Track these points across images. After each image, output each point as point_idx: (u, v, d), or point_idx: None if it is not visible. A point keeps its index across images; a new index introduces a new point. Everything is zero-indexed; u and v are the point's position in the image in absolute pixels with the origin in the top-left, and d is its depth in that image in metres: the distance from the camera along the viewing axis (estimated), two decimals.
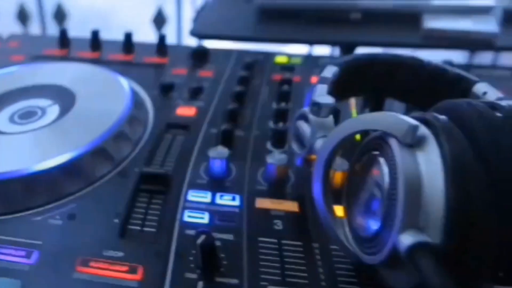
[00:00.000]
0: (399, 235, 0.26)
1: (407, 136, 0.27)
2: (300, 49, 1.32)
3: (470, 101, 0.30)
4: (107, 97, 0.49)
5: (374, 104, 0.49)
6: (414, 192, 0.26)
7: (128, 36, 0.60)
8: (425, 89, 0.45)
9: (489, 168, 0.26)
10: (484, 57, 1.24)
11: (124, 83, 0.51)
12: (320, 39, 0.63)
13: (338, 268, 0.32)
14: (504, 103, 0.31)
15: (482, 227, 0.25)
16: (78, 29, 0.73)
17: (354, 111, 0.51)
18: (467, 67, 0.60)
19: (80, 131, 0.44)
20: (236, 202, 0.38)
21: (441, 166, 0.26)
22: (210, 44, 0.62)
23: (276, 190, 0.40)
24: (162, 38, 0.59)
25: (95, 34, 0.60)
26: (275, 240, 0.34)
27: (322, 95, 0.37)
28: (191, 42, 0.78)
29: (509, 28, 0.70)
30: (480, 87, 0.41)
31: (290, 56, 0.60)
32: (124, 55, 0.60)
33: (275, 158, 0.41)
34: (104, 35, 0.63)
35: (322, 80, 0.39)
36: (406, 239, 0.25)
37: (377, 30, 0.66)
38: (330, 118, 0.35)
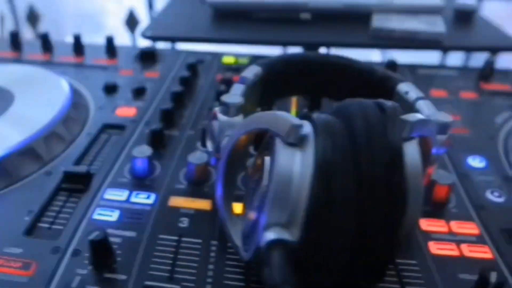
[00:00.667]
0: (264, 232, 0.26)
1: (289, 135, 0.28)
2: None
3: (361, 101, 0.31)
4: (45, 98, 0.50)
5: (311, 103, 0.49)
6: (282, 191, 0.27)
7: (77, 39, 0.61)
8: (355, 88, 0.45)
9: (358, 170, 0.27)
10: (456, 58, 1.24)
11: (65, 84, 0.52)
12: (271, 40, 0.64)
13: (229, 265, 0.33)
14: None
15: (339, 231, 0.26)
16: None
17: (294, 110, 0.52)
18: (434, 68, 0.61)
19: (11, 132, 0.45)
20: (150, 201, 0.39)
21: (312, 165, 0.27)
22: (186, 46, 0.63)
23: (194, 189, 0.40)
24: (110, 40, 0.60)
25: (45, 36, 0.61)
26: (176, 237, 0.35)
27: (235, 94, 0.37)
28: (164, 44, 0.78)
29: (458, 28, 0.71)
30: (403, 87, 0.42)
31: (237, 56, 0.61)
32: (75, 57, 0.62)
33: (195, 157, 0.41)
34: (90, 39, 0.64)
35: (241, 80, 0.40)
36: (267, 236, 0.26)
37: (327, 30, 0.67)
38: (239, 117, 0.36)
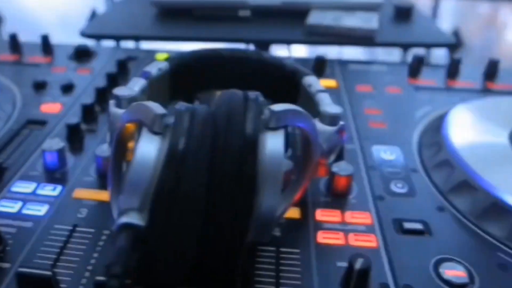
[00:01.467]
0: (119, 217, 0.27)
1: (153, 124, 0.29)
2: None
3: (232, 91, 0.32)
4: None
5: None
6: (136, 177, 0.27)
7: (13, 37, 0.62)
8: (266, 82, 0.47)
9: (211, 157, 0.28)
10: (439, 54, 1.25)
11: None
12: (210, 37, 0.65)
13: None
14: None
15: (184, 218, 0.26)
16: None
17: None
18: (365, 63, 0.62)
19: None
20: (55, 192, 0.40)
21: (165, 152, 0.28)
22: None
23: (103, 181, 0.41)
24: (45, 38, 0.61)
25: None
26: (70, 227, 0.36)
27: (129, 88, 0.38)
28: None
29: (397, 25, 0.72)
30: (307, 80, 0.43)
31: (171, 53, 0.62)
32: (10, 55, 0.63)
33: (102, 150, 0.42)
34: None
35: (142, 74, 0.41)
36: (119, 220, 0.27)
37: (266, 27, 0.68)
38: None
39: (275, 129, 0.30)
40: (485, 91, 0.56)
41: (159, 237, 0.27)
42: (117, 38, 0.69)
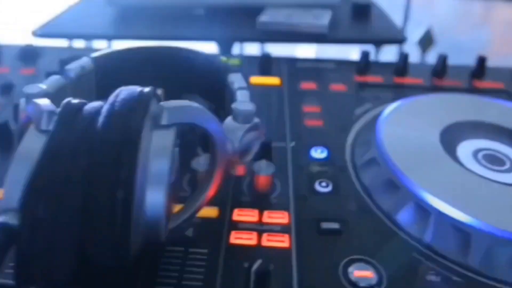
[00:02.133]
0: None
1: (40, 122, 0.29)
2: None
3: (129, 87, 0.31)
4: None
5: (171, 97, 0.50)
6: (15, 175, 0.27)
7: None
8: (194, 79, 0.46)
9: (89, 151, 0.27)
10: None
11: None
12: (164, 35, 0.65)
13: None
14: None
15: (56, 222, 0.26)
16: None
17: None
18: (313, 61, 0.61)
19: None
20: None
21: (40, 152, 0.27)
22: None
23: None
24: None
25: None
26: None
27: (39, 85, 0.38)
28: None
29: (354, 22, 0.71)
30: (231, 77, 0.42)
31: None
32: None
33: None
34: None
35: (62, 72, 0.41)
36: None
37: (219, 25, 0.67)
38: None
39: (166, 126, 0.30)
40: (433, 88, 0.55)
41: (31, 237, 0.26)
42: (70, 37, 0.69)
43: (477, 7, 2.52)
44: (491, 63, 0.58)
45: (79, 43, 0.72)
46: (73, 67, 0.42)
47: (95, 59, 0.43)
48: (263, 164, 0.39)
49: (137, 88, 0.30)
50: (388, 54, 1.27)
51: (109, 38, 0.67)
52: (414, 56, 1.17)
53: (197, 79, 0.46)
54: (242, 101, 0.37)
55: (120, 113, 0.28)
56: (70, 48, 0.64)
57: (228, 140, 0.34)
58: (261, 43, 1.05)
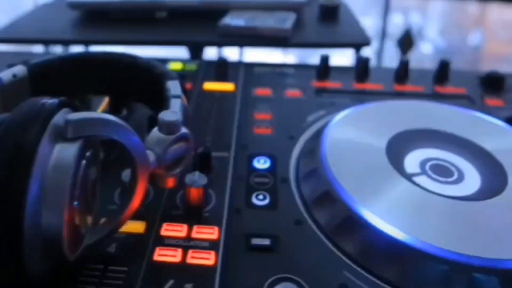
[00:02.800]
0: None
1: None
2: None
3: (37, 98, 0.30)
4: None
5: (112, 103, 0.49)
6: None
7: None
8: (138, 86, 0.45)
9: None
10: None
11: None
12: (128, 40, 0.64)
13: None
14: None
15: None
16: None
17: (100, 110, 0.51)
18: (273, 66, 0.60)
19: None
20: None
21: None
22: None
23: None
24: None
25: None
26: None
27: None
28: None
29: (322, 25, 0.70)
30: (168, 84, 0.41)
31: None
32: None
33: None
34: None
35: None
36: None
37: (183, 29, 0.66)
38: None
39: (73, 139, 0.29)
40: (393, 94, 0.54)
41: None
42: (29, 42, 0.68)
43: (472, 8, 2.49)
44: (485, 65, 0.57)
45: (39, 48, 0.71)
46: (4, 74, 0.41)
47: (30, 66, 0.42)
48: (195, 176, 0.38)
49: (40, 100, 0.29)
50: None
51: (69, 42, 0.66)
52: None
53: (139, 86, 0.45)
54: (168, 111, 0.36)
55: (16, 126, 0.27)
56: (27, 53, 0.63)
57: (148, 153, 0.33)
58: (240, 48, 1.04)
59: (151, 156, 0.34)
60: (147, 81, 0.44)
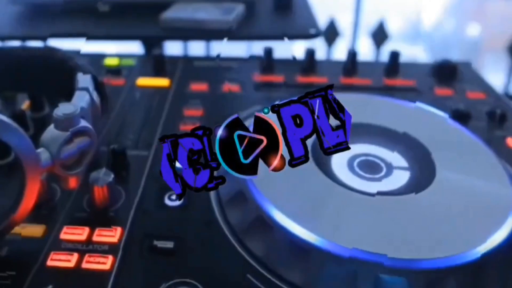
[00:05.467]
0: None
1: None
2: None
3: None
4: None
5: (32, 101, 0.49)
6: None
7: None
8: (55, 80, 0.45)
9: None
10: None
11: None
12: (71, 34, 0.63)
13: None
14: None
15: None
16: None
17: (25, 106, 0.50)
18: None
19: None
20: None
21: None
22: None
23: None
24: None
25: None
26: None
27: None
28: None
29: (275, 17, 0.69)
30: (78, 77, 0.40)
31: None
32: None
33: None
34: None
35: None
36: None
37: (125, 22, 0.65)
38: None
39: None
40: (340, 88, 0.53)
41: None
42: None
43: (470, 2, 2.48)
44: (482, 59, 0.56)
45: None
46: None
47: None
48: (101, 173, 0.38)
49: None
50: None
51: (11, 38, 0.66)
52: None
53: (56, 80, 0.44)
54: (66, 104, 0.35)
55: None
56: None
57: (40, 152, 0.33)
58: (184, 41, 1.04)
59: (43, 154, 0.33)
60: (61, 76, 0.43)
